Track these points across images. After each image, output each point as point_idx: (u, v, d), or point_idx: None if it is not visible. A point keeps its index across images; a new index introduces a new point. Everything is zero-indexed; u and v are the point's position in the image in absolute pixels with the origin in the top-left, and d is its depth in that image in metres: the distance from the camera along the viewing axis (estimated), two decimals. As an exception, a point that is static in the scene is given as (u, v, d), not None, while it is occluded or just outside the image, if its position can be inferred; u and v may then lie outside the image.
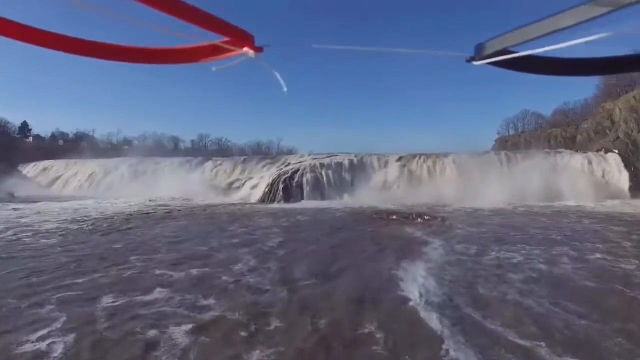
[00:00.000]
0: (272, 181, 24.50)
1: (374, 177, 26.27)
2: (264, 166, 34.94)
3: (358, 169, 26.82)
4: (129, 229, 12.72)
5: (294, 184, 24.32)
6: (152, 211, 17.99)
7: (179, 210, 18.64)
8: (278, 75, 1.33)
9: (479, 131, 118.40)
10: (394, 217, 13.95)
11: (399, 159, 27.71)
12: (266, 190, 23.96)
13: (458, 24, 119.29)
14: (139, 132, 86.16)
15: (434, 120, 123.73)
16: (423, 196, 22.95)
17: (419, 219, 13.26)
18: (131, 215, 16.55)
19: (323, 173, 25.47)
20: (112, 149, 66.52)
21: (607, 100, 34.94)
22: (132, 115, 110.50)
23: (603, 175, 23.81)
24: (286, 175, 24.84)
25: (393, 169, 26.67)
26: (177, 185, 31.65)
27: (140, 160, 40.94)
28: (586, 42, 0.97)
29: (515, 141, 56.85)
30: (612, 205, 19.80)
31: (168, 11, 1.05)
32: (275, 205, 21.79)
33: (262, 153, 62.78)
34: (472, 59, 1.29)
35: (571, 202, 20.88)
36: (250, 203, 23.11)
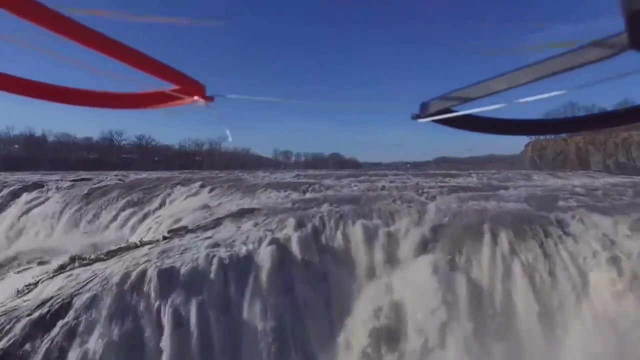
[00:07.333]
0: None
1: (358, 308, 8.36)
2: (125, 209, 17.02)
3: (311, 275, 8.78)
4: None
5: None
6: None
7: None
8: (227, 131, 1.41)
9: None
10: None
11: (433, 236, 9.66)
12: None
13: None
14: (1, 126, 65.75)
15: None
16: None
17: None
18: None
19: (183, 313, 7.32)
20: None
21: None
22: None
23: None
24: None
25: (417, 275, 8.62)
26: None
27: None
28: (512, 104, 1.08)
29: (561, 149, 39.49)
30: None
31: (119, 58, 1.00)
32: None
33: (200, 156, 44.27)
34: (418, 116, 1.34)
35: None
36: None
